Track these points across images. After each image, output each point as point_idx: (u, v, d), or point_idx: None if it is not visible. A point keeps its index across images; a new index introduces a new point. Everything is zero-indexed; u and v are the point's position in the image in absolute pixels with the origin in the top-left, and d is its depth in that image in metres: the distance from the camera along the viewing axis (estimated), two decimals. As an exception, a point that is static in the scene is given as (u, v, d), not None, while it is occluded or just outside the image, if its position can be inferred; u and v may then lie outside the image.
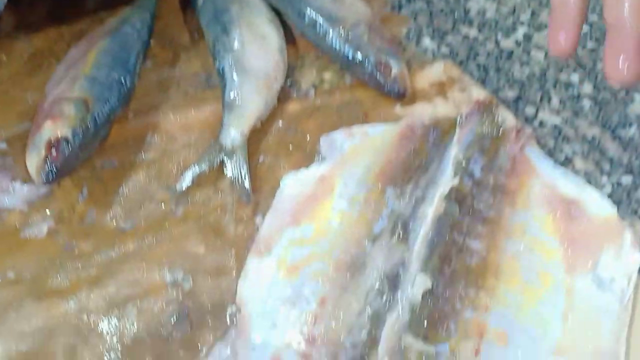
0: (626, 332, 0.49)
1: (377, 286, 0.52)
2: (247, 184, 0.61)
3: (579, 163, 0.63)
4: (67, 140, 0.57)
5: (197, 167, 0.62)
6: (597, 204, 0.56)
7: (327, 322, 0.50)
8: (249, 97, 0.66)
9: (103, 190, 0.62)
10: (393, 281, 0.52)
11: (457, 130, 0.63)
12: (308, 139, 0.66)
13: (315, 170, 0.62)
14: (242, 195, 0.60)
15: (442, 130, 0.65)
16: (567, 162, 0.63)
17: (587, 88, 0.70)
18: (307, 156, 0.64)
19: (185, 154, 0.65)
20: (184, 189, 0.61)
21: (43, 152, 0.56)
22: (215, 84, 0.70)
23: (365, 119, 0.68)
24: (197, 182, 0.61)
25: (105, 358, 0.49)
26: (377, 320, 0.50)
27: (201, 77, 0.72)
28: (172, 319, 0.51)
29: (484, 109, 0.65)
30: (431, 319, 0.50)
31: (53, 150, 0.56)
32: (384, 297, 0.51)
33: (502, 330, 0.50)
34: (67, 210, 0.60)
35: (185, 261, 0.55)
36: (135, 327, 0.51)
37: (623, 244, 0.54)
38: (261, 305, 0.51)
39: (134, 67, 0.67)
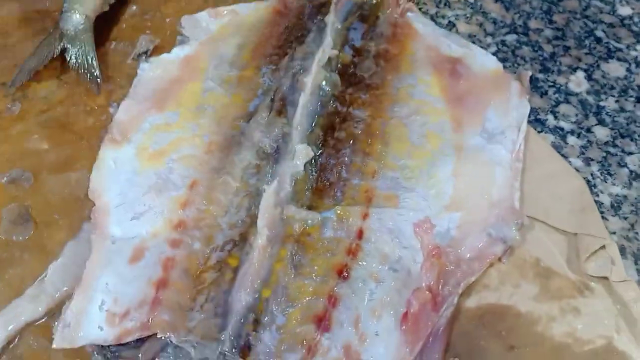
0: (519, 180, 0.46)
1: (254, 163, 0.46)
2: (95, 72, 0.52)
3: (462, 26, 0.59)
4: None
5: (33, 59, 0.52)
6: (482, 60, 0.53)
7: (199, 205, 0.44)
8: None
9: None
10: (273, 156, 0.47)
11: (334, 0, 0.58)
12: (168, 22, 0.58)
13: (178, 53, 0.54)
14: (91, 85, 0.52)
15: (318, 3, 0.59)
16: (450, 26, 0.59)
17: (466, -45, 0.66)
18: (167, 40, 0.56)
19: (21, 48, 0.55)
20: (19, 84, 0.52)
21: None
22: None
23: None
24: (37, 76, 0.52)
25: None
26: (255, 197, 0.44)
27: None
28: (10, 221, 0.42)
29: (361, -24, 0.60)
30: (315, 189, 0.45)
31: None
32: (262, 173, 0.46)
33: (391, 193, 0.45)
34: None
35: (24, 159, 0.46)
36: (-36, 234, 0.42)
37: (511, 95, 0.51)
38: (120, 197, 0.44)
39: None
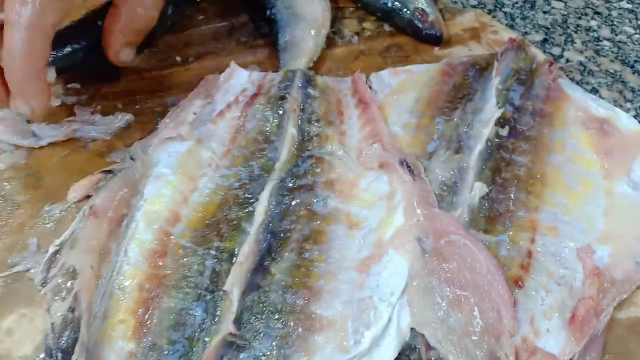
0: (663, 221, 0.56)
1: (437, 192, 0.58)
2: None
3: (604, 92, 0.70)
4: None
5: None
6: (626, 122, 0.63)
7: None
8: (301, 39, 0.72)
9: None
10: (452, 188, 0.58)
11: (495, 65, 0.70)
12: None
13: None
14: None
15: (480, 67, 0.71)
16: (594, 92, 0.70)
17: (605, 32, 0.77)
18: (358, 92, 0.70)
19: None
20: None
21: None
22: (264, 32, 0.76)
23: (407, 60, 0.75)
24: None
25: None
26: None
27: (249, 27, 0.78)
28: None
29: (517, 46, 0.72)
30: (489, 217, 0.56)
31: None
32: (445, 202, 0.57)
33: (552, 225, 0.56)
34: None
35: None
36: None
37: (653, 153, 0.60)
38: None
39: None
